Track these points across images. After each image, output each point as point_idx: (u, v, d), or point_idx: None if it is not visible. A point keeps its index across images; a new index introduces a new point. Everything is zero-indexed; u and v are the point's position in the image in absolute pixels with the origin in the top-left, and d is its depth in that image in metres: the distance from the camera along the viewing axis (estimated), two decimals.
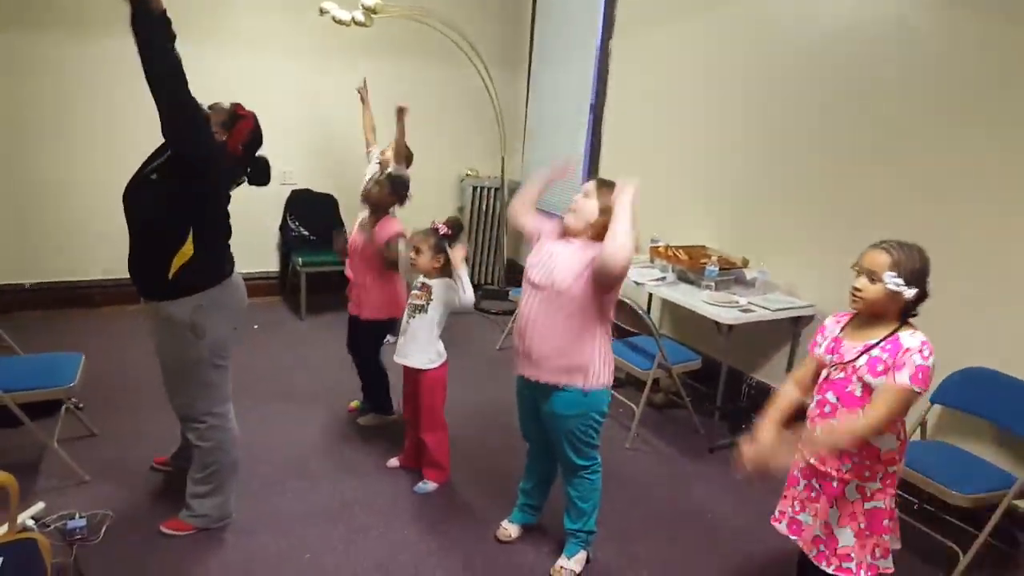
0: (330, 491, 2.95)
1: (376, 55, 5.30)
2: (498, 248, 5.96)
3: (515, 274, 5.83)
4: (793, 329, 3.56)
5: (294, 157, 5.24)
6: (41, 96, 4.49)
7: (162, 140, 2.27)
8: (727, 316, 3.27)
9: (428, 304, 2.84)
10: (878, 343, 1.82)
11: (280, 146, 5.04)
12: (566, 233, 2.36)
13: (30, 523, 2.55)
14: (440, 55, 5.37)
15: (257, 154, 2.55)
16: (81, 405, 3.34)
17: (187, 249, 2.29)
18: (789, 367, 3.62)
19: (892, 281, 1.78)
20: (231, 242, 2.53)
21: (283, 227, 5.28)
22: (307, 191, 5.29)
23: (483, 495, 2.99)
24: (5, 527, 2.43)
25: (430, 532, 2.73)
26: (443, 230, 2.82)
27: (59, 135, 4.58)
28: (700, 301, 3.40)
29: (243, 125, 2.43)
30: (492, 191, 5.78)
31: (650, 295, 4.11)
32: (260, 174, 2.60)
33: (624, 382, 4.05)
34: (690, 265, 3.69)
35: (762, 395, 3.78)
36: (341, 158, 5.26)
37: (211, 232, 2.38)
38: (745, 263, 3.71)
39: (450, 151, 5.76)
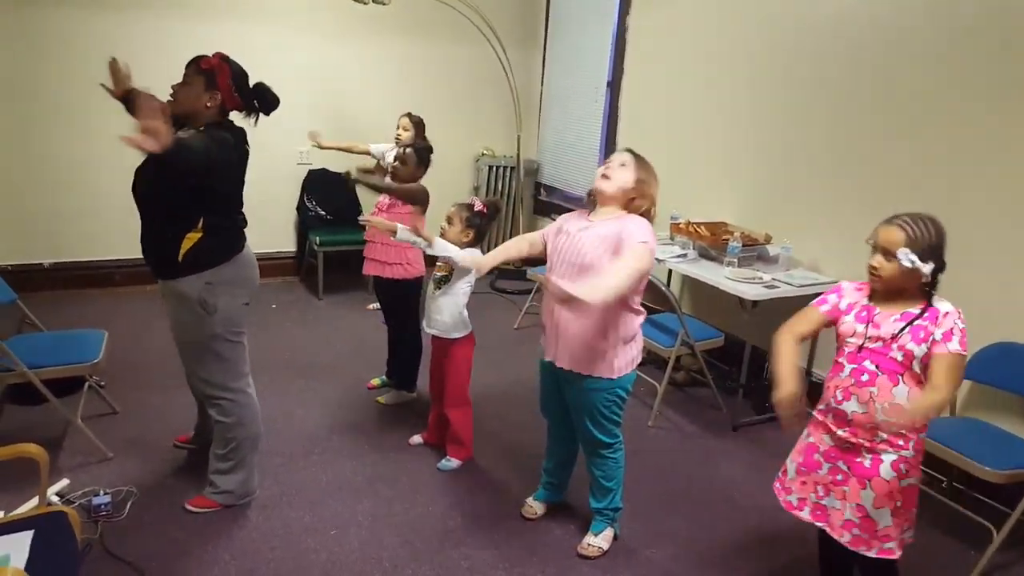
0: (353, 467, 2.95)
1: (391, 33, 5.24)
2: (513, 227, 5.91)
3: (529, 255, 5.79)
4: None
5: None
6: (58, 73, 4.47)
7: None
8: (751, 292, 3.22)
9: (453, 274, 2.82)
10: (919, 314, 1.80)
11: (297, 125, 5.05)
12: (594, 203, 2.32)
13: (55, 499, 2.57)
14: (455, 33, 5.31)
15: (253, 84, 2.42)
16: (103, 383, 3.34)
17: (196, 233, 2.29)
18: (813, 344, 3.57)
19: (907, 259, 1.76)
20: (249, 220, 2.50)
21: (300, 207, 5.25)
22: (323, 171, 5.26)
23: (507, 472, 2.98)
24: (35, 501, 2.46)
25: (455, 508, 2.72)
26: (478, 206, 2.80)
27: (76, 113, 4.55)
28: (723, 277, 3.35)
29: (221, 76, 2.30)
30: (508, 170, 5.73)
31: (669, 272, 4.06)
32: (267, 103, 2.45)
33: (645, 360, 4.00)
34: (712, 241, 3.64)
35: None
36: (358, 137, 5.21)
37: (221, 216, 2.35)
38: (768, 239, 3.65)
39: (465, 130, 5.70)
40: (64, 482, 2.70)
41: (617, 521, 2.56)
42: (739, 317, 3.63)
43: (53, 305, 4.32)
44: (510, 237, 5.89)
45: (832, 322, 1.98)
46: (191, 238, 2.27)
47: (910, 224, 1.78)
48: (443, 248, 2.61)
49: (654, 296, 3.88)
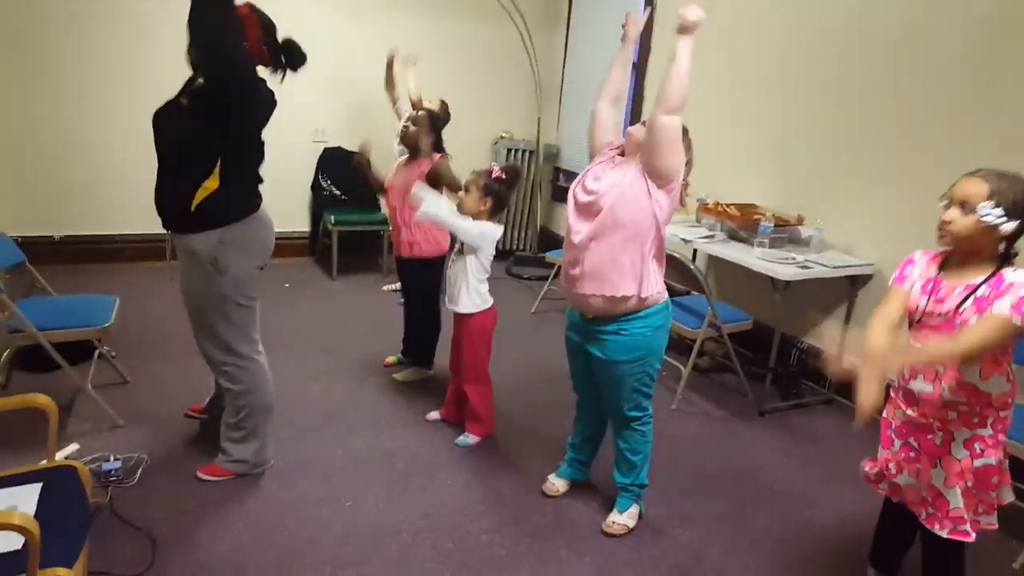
0: (369, 441, 2.86)
1: (409, 11, 5.16)
2: (531, 213, 5.82)
3: (548, 240, 5.70)
4: (850, 289, 3.39)
5: (327, 115, 5.13)
6: (67, 48, 4.40)
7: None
8: (784, 272, 3.11)
9: (466, 245, 2.73)
10: (982, 283, 1.66)
11: (312, 103, 4.98)
12: (626, 151, 2.20)
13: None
14: (477, 11, 5.22)
15: (282, 39, 2.32)
16: (113, 353, 3.26)
17: (211, 182, 2.20)
18: (845, 329, 3.46)
19: (989, 212, 1.60)
20: (263, 198, 2.41)
21: (314, 186, 5.16)
22: (339, 149, 5.17)
23: (527, 450, 2.88)
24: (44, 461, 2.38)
25: (475, 484, 2.62)
26: (496, 173, 2.70)
27: (86, 87, 4.49)
28: (755, 258, 3.24)
29: (249, 27, 2.20)
30: (527, 154, 5.63)
31: (695, 252, 3.94)
32: (295, 58, 2.34)
33: (668, 343, 3.90)
34: (742, 222, 3.53)
35: (814, 358, 3.63)
36: (374, 116, 5.12)
37: (238, 166, 2.26)
38: (800, 221, 3.54)
39: (484, 112, 5.59)
40: (73, 446, 2.63)
41: (642, 499, 2.46)
42: (764, 302, 3.53)
43: (63, 276, 4.23)
44: (526, 223, 5.83)
45: None
46: (206, 187, 2.18)
47: (996, 177, 1.63)
48: (431, 204, 2.54)
49: (680, 276, 3.78)
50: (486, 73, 5.56)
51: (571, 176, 5.62)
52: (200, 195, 2.19)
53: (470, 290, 2.76)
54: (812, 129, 3.62)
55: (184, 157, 2.20)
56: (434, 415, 3.06)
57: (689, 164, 2.18)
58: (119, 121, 4.55)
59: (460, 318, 2.82)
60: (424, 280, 3.32)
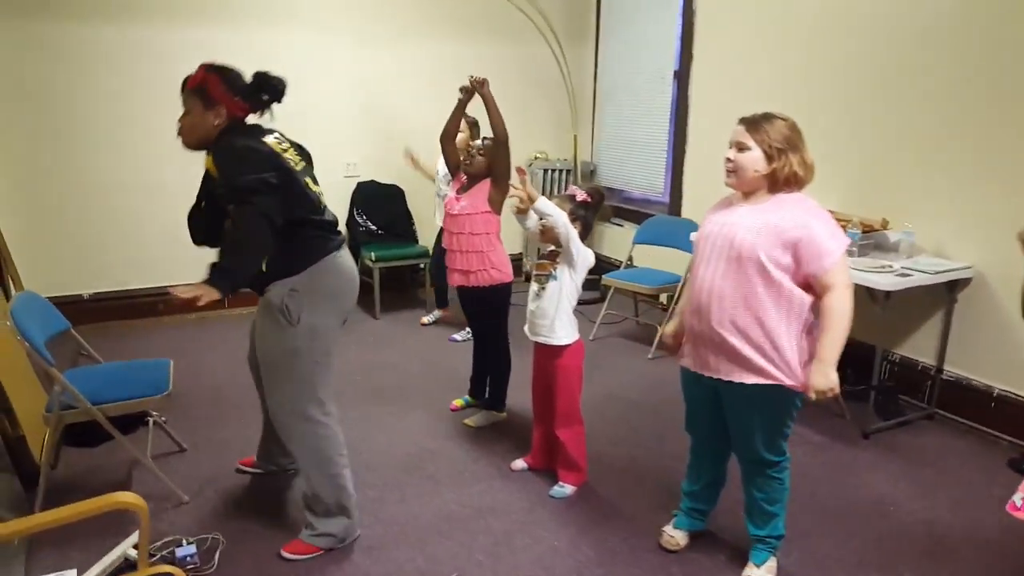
0: (456, 498, 2.61)
1: (432, 35, 4.98)
2: None
3: (596, 264, 5.46)
4: (948, 295, 3.16)
5: (358, 148, 4.93)
6: (84, 99, 4.23)
7: None
8: (885, 282, 2.88)
9: (556, 270, 2.52)
10: None
11: (343, 136, 4.80)
12: (731, 201, 2.02)
13: (132, 553, 2.23)
14: (502, 31, 5.06)
15: (252, 77, 2.13)
16: (164, 418, 3.03)
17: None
18: (944, 338, 3.21)
19: None
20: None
21: (349, 222, 4.95)
22: (372, 183, 4.97)
23: (629, 498, 2.63)
24: (116, 553, 2.15)
25: (582, 540, 2.37)
26: (581, 196, 2.50)
27: (101, 134, 4.30)
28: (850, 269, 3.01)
29: (213, 88, 2.04)
30: (563, 173, 5.42)
31: None
32: (274, 90, 2.14)
33: None
34: None
35: (908, 372, 3.39)
36: (405, 146, 4.96)
37: (288, 226, 2.06)
38: (885, 225, 3.31)
39: (517, 132, 5.37)
40: (142, 529, 2.38)
41: (779, 549, 2.20)
42: (858, 315, 3.29)
43: (99, 338, 4.02)
44: None
45: None
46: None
47: None
48: (547, 208, 2.35)
49: None
50: (516, 93, 5.34)
51: (611, 192, 5.42)
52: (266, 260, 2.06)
53: (565, 318, 2.53)
54: (884, 130, 3.40)
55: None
56: (520, 464, 2.82)
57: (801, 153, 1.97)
58: (141, 173, 4.35)
59: (551, 352, 2.58)
60: (488, 312, 3.11)
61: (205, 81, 2.05)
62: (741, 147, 1.94)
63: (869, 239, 3.24)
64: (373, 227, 4.91)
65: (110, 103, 4.26)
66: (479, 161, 3.02)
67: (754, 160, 1.93)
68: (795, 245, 1.85)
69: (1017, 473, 2.81)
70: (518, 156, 5.45)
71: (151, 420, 2.88)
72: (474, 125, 4.05)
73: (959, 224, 3.15)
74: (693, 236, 3.74)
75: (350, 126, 4.81)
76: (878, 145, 3.45)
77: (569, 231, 2.41)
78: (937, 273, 2.98)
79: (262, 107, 2.17)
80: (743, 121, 1.97)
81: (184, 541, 2.28)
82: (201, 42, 4.28)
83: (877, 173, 3.48)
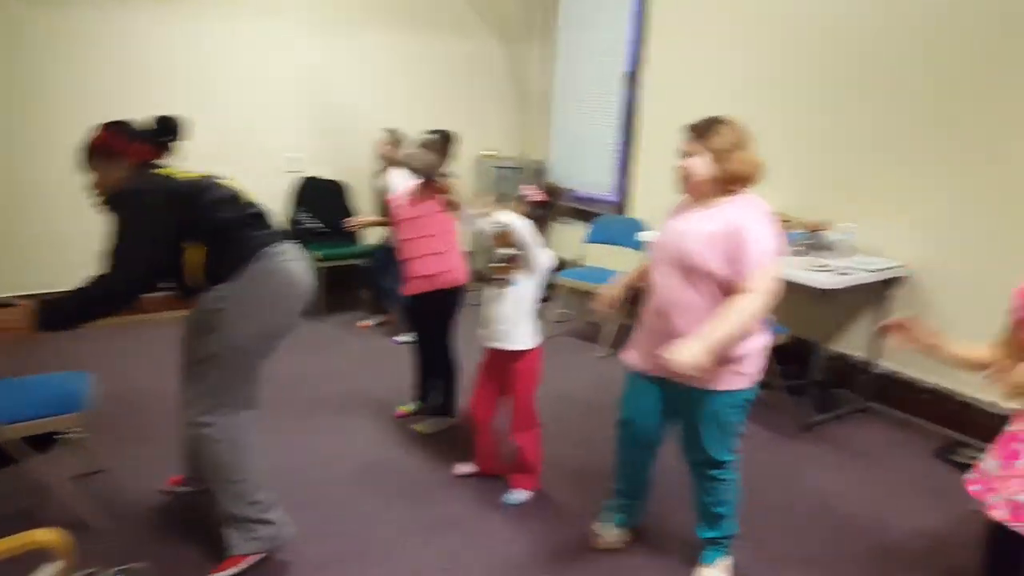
0: (407, 511, 2.56)
1: (381, 27, 4.87)
2: None
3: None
4: (883, 292, 3.28)
5: (301, 143, 4.78)
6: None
7: None
8: (826, 281, 2.97)
9: (515, 274, 2.46)
10: None
11: (284, 130, 4.64)
12: (686, 206, 2.04)
13: None
14: (451, 25, 4.99)
15: (151, 126, 2.19)
16: (84, 435, 2.79)
17: (192, 257, 2.03)
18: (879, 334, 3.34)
19: None
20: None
21: (291, 220, 4.80)
22: (314, 179, 4.84)
23: (584, 500, 2.63)
24: None
25: (541, 546, 2.37)
26: (534, 196, 2.44)
27: (28, 131, 4.06)
28: (792, 268, 3.09)
29: (116, 144, 2.09)
30: (513, 172, 5.38)
31: None
32: (172, 130, 2.20)
33: None
34: None
35: (845, 366, 3.51)
36: (349, 141, 4.84)
37: (212, 233, 2.03)
38: (827, 225, 3.41)
39: (465, 130, 5.29)
40: (57, 564, 2.19)
41: (730, 547, 2.25)
42: (798, 312, 3.38)
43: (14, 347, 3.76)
44: None
45: None
46: (190, 265, 2.04)
47: None
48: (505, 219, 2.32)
49: None
50: (468, 89, 5.31)
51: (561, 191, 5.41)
52: (188, 272, 2.04)
53: (523, 323, 2.50)
54: (823, 135, 3.52)
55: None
56: (466, 468, 2.78)
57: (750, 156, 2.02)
58: (63, 169, 4.11)
59: (509, 357, 2.53)
60: (441, 315, 3.06)
61: (108, 139, 2.10)
62: (689, 154, 1.96)
63: (810, 239, 3.34)
64: (318, 224, 4.78)
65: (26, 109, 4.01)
66: (419, 154, 2.95)
67: (702, 165, 1.95)
68: (729, 249, 1.88)
69: (945, 463, 2.95)
70: (465, 152, 5.41)
71: (69, 437, 2.66)
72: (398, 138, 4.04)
73: (896, 225, 3.27)
74: (641, 236, 3.83)
75: (291, 120, 4.66)
76: (824, 147, 3.57)
77: (528, 238, 2.37)
78: (875, 272, 3.09)
79: (164, 149, 2.21)
80: (689, 128, 1.99)
81: (112, 573, 2.12)
82: (133, 30, 4.04)
83: (823, 175, 3.59)
